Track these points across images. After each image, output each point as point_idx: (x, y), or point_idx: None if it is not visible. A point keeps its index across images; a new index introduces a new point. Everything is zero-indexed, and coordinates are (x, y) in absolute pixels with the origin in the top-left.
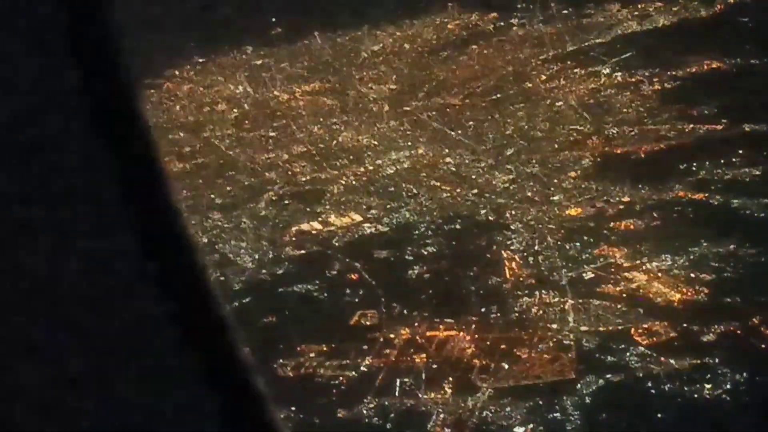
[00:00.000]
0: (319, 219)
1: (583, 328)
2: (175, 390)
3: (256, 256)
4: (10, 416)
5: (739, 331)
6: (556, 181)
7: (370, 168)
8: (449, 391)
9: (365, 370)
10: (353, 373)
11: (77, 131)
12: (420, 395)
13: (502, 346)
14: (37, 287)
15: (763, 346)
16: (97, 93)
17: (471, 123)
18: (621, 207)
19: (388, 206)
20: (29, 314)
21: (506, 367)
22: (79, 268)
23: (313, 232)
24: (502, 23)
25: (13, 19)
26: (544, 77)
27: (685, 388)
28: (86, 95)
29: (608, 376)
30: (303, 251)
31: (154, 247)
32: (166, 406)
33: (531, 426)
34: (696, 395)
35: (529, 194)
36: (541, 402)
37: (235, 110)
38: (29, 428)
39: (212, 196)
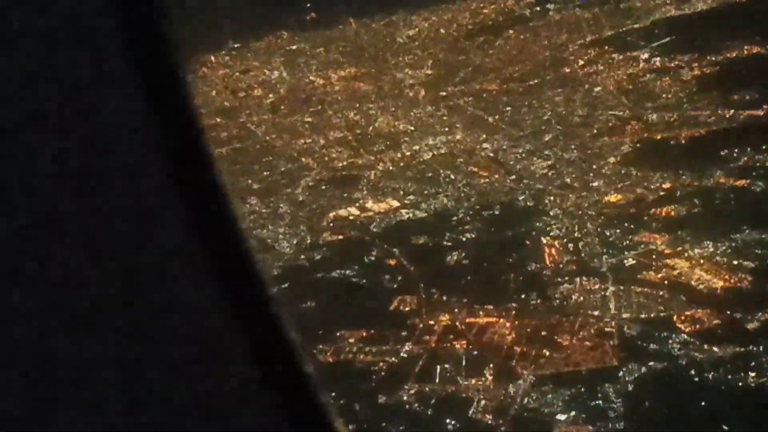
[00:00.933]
0: (357, 204)
1: (625, 315)
2: (227, 373)
3: (294, 242)
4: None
5: None
6: (595, 167)
7: (407, 153)
8: (490, 377)
9: (405, 356)
10: (393, 359)
11: (126, 116)
12: (461, 381)
13: (543, 333)
14: (83, 271)
15: None
16: (146, 76)
17: (508, 108)
18: (661, 193)
19: (426, 192)
20: (84, 298)
21: (547, 354)
22: (125, 251)
23: (351, 217)
24: (538, 8)
25: (65, 13)
26: (581, 62)
27: (729, 376)
28: (135, 78)
29: (650, 363)
30: (341, 237)
31: (201, 230)
32: (219, 386)
33: (573, 413)
34: (740, 383)
35: (568, 180)
36: (582, 389)
37: (271, 96)
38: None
39: (249, 181)
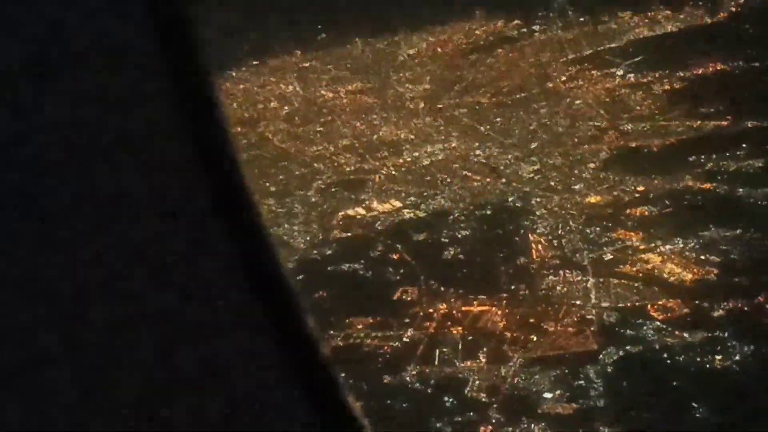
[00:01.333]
0: (363, 205)
1: (604, 304)
2: (254, 355)
3: (307, 238)
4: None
5: (746, 308)
6: (576, 171)
7: (408, 159)
8: (484, 360)
9: (407, 340)
10: (396, 343)
11: (163, 126)
12: (457, 364)
13: (531, 320)
14: (121, 263)
15: (766, 321)
16: (181, 91)
17: (498, 119)
18: (636, 195)
19: (425, 194)
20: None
21: (534, 339)
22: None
23: (358, 217)
24: (524, 29)
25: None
26: (563, 78)
27: (698, 359)
28: (173, 92)
29: (627, 347)
30: (349, 234)
31: (232, 231)
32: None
33: (558, 392)
34: (707, 366)
35: (553, 183)
36: (566, 370)
37: (285, 108)
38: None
39: (267, 184)
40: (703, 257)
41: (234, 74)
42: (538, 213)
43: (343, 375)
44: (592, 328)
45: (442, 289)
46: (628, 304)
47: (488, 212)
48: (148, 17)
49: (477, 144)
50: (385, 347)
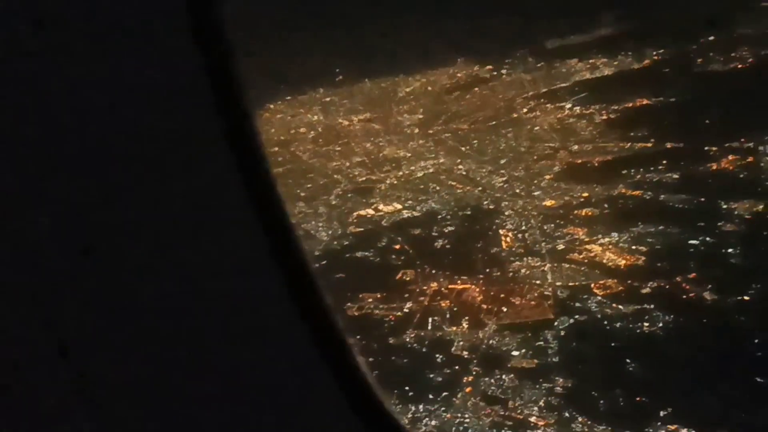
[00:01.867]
0: (372, 207)
1: (558, 284)
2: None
3: (329, 232)
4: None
5: (667, 287)
6: (535, 181)
7: (406, 172)
8: (466, 326)
9: (406, 311)
10: (398, 313)
11: (207, 151)
12: (445, 328)
13: (501, 296)
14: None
15: (683, 296)
16: (225, 120)
17: (475, 141)
18: (581, 200)
19: (419, 198)
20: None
21: (504, 309)
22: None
23: (368, 216)
24: (495, 72)
25: (151, 65)
26: (525, 110)
27: (630, 326)
28: (216, 121)
29: (576, 316)
30: (361, 229)
31: (267, 229)
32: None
33: (522, 350)
34: (638, 331)
35: (517, 191)
36: (529, 334)
37: (311, 132)
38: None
39: (298, 191)
40: (633, 247)
41: (272, 107)
42: (506, 213)
43: (358, 337)
44: (549, 302)
45: (433, 271)
46: (576, 283)
47: (468, 213)
48: (200, 63)
49: (459, 160)
50: (390, 316)
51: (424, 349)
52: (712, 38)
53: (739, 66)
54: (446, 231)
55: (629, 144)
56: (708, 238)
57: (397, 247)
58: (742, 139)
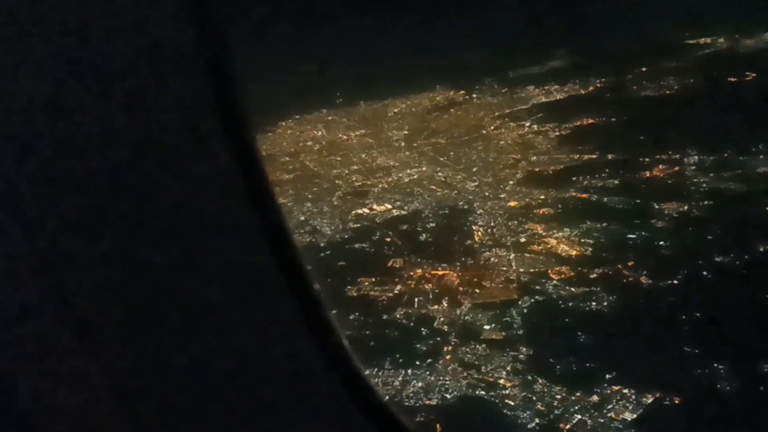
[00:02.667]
0: (367, 207)
1: (521, 270)
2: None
3: (332, 227)
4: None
5: (610, 272)
6: (502, 186)
7: (395, 178)
8: (446, 305)
9: (396, 292)
10: (390, 294)
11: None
12: (429, 307)
13: (475, 280)
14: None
15: (624, 281)
16: (233, 138)
17: (452, 153)
18: (540, 201)
19: (407, 200)
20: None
21: (477, 291)
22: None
23: (364, 214)
24: (467, 96)
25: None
26: (492, 127)
27: (580, 305)
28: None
29: (536, 297)
30: (359, 225)
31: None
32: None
33: (492, 325)
34: (587, 309)
35: (487, 194)
36: (498, 311)
37: (317, 145)
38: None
39: (306, 193)
40: (582, 240)
41: (284, 124)
42: (478, 212)
43: (356, 314)
44: (513, 285)
45: (418, 260)
46: (536, 270)
47: (446, 212)
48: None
49: (438, 169)
50: (383, 296)
51: (411, 324)
52: (644, 69)
53: (667, 92)
54: (429, 227)
55: (578, 156)
56: (643, 233)
57: (389, 240)
58: (670, 152)
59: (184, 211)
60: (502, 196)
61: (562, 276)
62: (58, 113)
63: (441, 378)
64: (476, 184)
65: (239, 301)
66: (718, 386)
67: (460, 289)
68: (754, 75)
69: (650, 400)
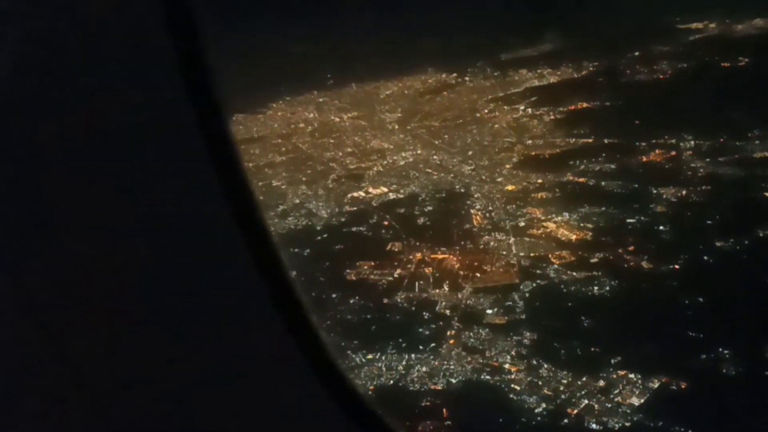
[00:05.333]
0: (363, 190)
1: (521, 254)
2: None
3: (329, 211)
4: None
5: (610, 257)
6: (498, 170)
7: (390, 161)
8: (446, 288)
9: (397, 276)
10: (390, 278)
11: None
12: (430, 291)
13: (475, 264)
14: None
15: (625, 265)
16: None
17: (446, 136)
18: (537, 185)
19: (403, 183)
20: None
21: (478, 275)
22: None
23: (360, 197)
24: (460, 79)
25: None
26: (486, 111)
27: (582, 289)
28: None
29: (537, 281)
30: (355, 208)
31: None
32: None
33: (495, 309)
34: (589, 293)
35: (483, 177)
36: (500, 295)
37: (309, 127)
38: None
39: (300, 176)
40: (581, 224)
41: (275, 106)
42: (475, 196)
43: (357, 298)
44: (514, 269)
45: (417, 243)
46: (536, 254)
47: (443, 195)
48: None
49: (433, 152)
50: (383, 281)
51: (413, 308)
52: (637, 54)
53: (660, 77)
54: (426, 210)
55: (574, 139)
56: (642, 218)
57: (386, 223)
58: (666, 137)
59: (156, 205)
60: (499, 179)
61: (563, 260)
62: (23, 110)
63: (445, 362)
64: (472, 167)
65: (214, 296)
66: (724, 370)
67: (461, 273)
68: (746, 60)
69: (656, 384)
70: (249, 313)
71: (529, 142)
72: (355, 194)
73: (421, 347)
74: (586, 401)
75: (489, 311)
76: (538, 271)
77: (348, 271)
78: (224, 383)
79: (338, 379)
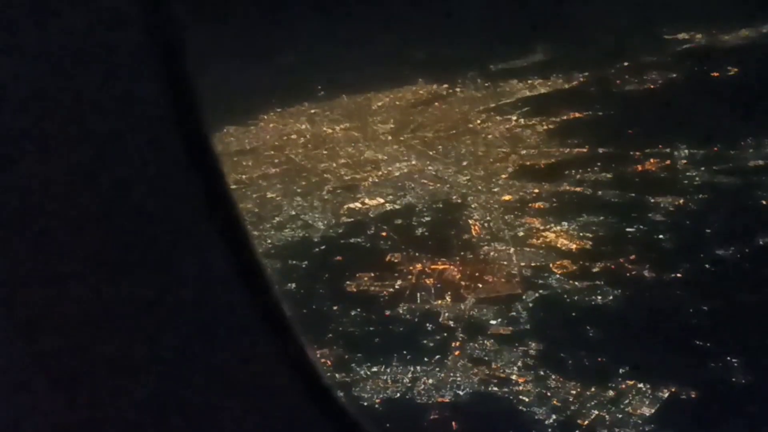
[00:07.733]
0: (359, 201)
1: (522, 264)
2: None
3: (325, 222)
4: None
5: (612, 266)
6: (494, 180)
7: (385, 172)
8: (449, 299)
9: (398, 287)
10: (391, 289)
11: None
12: (432, 302)
13: (476, 274)
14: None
15: (627, 274)
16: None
17: (440, 147)
18: (534, 195)
19: (399, 194)
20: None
21: (480, 286)
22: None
23: (356, 208)
24: (451, 90)
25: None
26: (479, 121)
27: (585, 299)
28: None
29: (540, 291)
30: (352, 219)
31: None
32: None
33: (498, 320)
34: (591, 302)
35: (480, 188)
36: (503, 306)
37: (302, 139)
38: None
39: (294, 187)
40: (581, 234)
41: (266, 117)
42: (472, 206)
43: (358, 310)
44: (516, 279)
45: (417, 254)
46: (538, 264)
47: (440, 206)
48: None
49: (428, 162)
50: (384, 292)
51: (416, 320)
52: (626, 64)
53: (651, 87)
54: (424, 221)
55: (568, 149)
56: (641, 227)
57: (384, 234)
58: (660, 146)
59: (133, 208)
60: (496, 190)
61: (565, 270)
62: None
63: (452, 374)
64: (468, 178)
65: (196, 302)
66: (734, 378)
67: (463, 283)
68: (735, 70)
69: (666, 394)
70: (230, 320)
71: (524, 152)
72: (352, 205)
73: (426, 359)
74: (597, 412)
75: (493, 322)
76: (540, 281)
77: (348, 282)
78: (205, 392)
79: (325, 394)
